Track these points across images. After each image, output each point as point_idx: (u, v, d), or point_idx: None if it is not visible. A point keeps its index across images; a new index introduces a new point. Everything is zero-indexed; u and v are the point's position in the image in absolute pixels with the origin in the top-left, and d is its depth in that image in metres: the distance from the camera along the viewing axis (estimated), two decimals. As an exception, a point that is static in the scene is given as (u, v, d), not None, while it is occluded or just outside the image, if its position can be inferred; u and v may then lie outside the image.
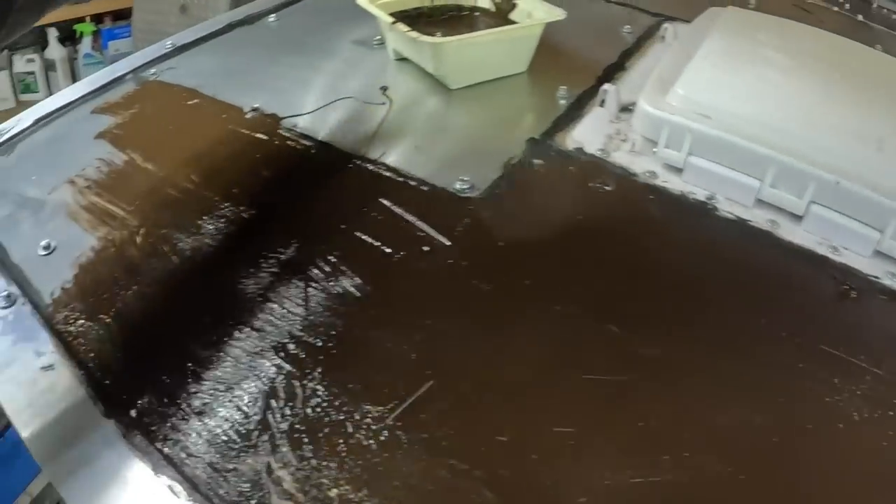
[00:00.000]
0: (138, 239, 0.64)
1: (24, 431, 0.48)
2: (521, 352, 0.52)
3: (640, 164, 0.74)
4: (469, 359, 0.51)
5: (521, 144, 0.75)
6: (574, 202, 0.69)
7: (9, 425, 1.65)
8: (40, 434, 0.48)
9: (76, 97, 0.91)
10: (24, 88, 2.50)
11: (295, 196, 0.67)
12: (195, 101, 0.85)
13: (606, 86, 0.85)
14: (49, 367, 0.53)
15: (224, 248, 0.62)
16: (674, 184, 0.70)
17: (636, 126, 0.79)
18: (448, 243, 0.61)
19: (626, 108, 0.84)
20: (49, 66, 2.55)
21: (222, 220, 0.66)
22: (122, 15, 2.62)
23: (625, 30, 1.04)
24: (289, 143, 0.74)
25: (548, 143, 0.76)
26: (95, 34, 2.63)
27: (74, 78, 2.61)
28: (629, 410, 0.48)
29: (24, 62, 2.48)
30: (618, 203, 0.68)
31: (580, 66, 0.93)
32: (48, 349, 0.55)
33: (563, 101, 0.85)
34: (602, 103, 0.85)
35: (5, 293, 0.61)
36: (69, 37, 2.61)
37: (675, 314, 0.56)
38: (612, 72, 0.93)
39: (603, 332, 0.54)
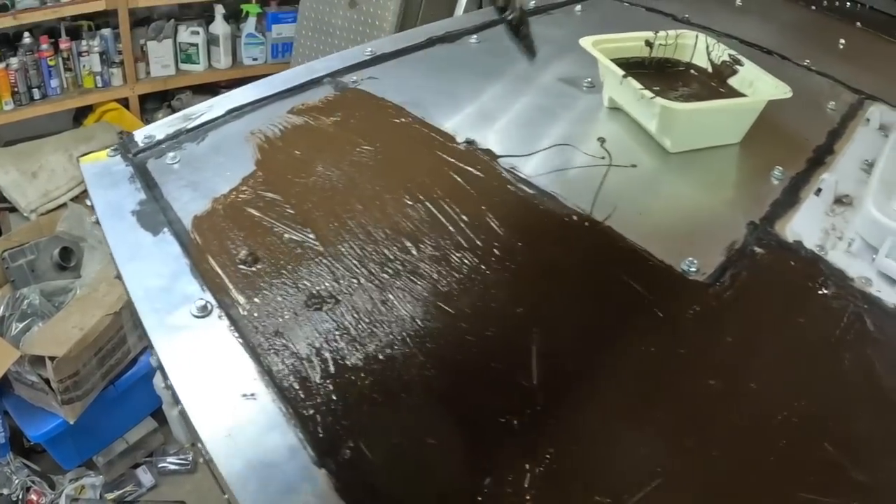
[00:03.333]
0: (358, 268, 0.62)
1: (223, 466, 0.45)
2: (749, 460, 0.49)
3: (856, 268, 0.70)
4: (697, 461, 0.49)
5: (740, 226, 0.72)
6: (795, 304, 0.65)
7: (121, 374, 1.67)
8: (243, 474, 0.45)
9: (271, 93, 0.90)
10: (185, 58, 2.54)
11: (526, 249, 0.65)
12: (402, 119, 0.83)
13: (826, 176, 0.82)
14: (251, 396, 0.50)
15: (450, 296, 0.59)
16: (888, 295, 0.66)
17: (858, 228, 0.75)
18: (676, 329, 0.58)
19: (840, 200, 0.81)
20: (212, 41, 2.55)
21: (443, 262, 0.63)
22: (289, 0, 2.65)
23: (829, 106, 1.00)
24: (509, 186, 0.72)
25: (768, 230, 0.73)
26: (260, 16, 2.64)
27: (235, 56, 2.67)
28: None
29: (189, 34, 2.47)
30: (835, 311, 0.64)
31: (790, 144, 0.89)
32: (250, 375, 0.51)
33: (776, 182, 0.81)
34: (818, 192, 0.81)
35: (201, 301, 0.58)
36: (234, 15, 2.63)
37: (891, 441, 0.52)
38: (823, 154, 0.89)
39: (820, 450, 0.50)
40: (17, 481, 1.86)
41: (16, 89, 2.20)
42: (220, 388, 0.50)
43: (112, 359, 1.80)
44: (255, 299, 0.59)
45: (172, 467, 1.99)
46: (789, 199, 0.78)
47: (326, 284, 0.60)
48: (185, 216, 0.70)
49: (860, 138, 0.94)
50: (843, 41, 1.28)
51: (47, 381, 1.69)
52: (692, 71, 0.95)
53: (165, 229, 0.67)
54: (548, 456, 0.47)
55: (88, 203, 0.80)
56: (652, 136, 0.83)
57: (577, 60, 1.00)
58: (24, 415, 1.84)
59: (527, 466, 0.46)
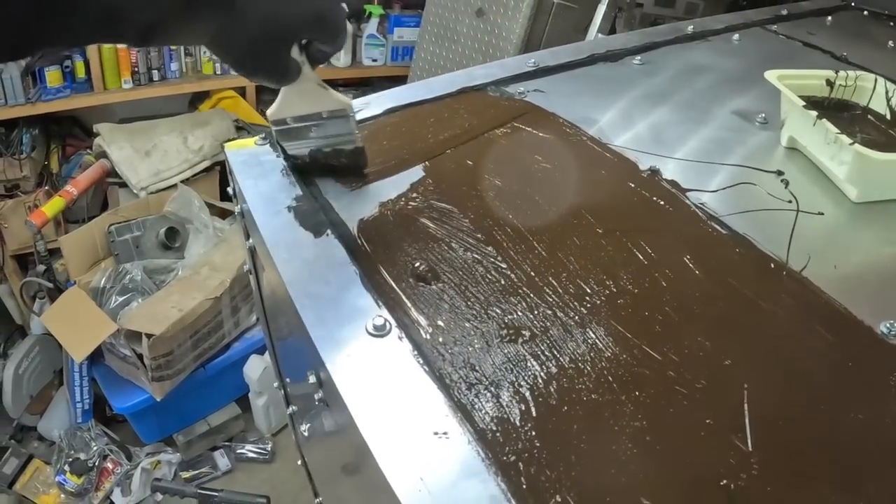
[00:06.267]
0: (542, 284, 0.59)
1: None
2: None
3: None
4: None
5: (939, 292, 0.66)
6: None
7: (213, 358, 1.69)
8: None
9: (430, 96, 0.88)
10: (303, 54, 2.59)
11: (726, 294, 0.60)
12: (580, 138, 0.80)
13: None
14: (443, 435, 0.45)
15: (656, 340, 0.55)
16: None
17: None
18: (881, 398, 0.53)
19: None
20: (332, 39, 2.62)
21: (643, 301, 0.59)
22: (412, 4, 2.65)
23: None
24: (701, 224, 0.67)
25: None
26: (383, 18, 2.67)
27: (355, 55, 2.71)
28: None
29: (309, 30, 2.55)
30: None
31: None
32: (441, 411, 0.46)
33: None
34: None
35: (380, 319, 0.52)
36: (356, 14, 2.66)
37: None
38: None
39: None
40: (95, 448, 1.90)
41: (136, 69, 2.26)
42: (407, 424, 0.46)
43: (206, 343, 1.83)
44: (439, 322, 0.55)
45: (250, 455, 2.01)
46: None
47: (519, 314, 0.56)
48: (348, 219, 0.67)
49: None
50: None
51: (140, 357, 1.72)
52: (869, 116, 0.89)
53: (328, 231, 0.64)
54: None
55: (230, 190, 0.79)
56: (832, 182, 0.78)
57: (744, 92, 0.95)
58: (112, 385, 1.88)
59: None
